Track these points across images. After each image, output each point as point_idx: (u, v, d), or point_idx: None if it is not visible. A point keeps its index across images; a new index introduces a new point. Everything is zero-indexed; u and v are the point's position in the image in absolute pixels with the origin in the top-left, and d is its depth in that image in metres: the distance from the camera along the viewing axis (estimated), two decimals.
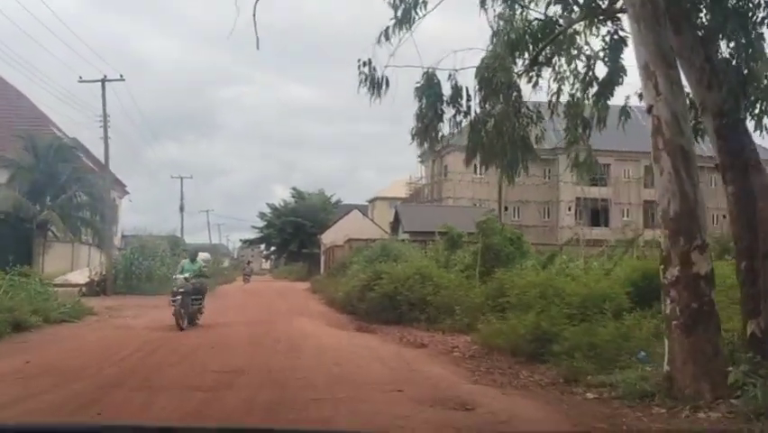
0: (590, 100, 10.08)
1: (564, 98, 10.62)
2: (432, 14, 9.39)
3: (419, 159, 73.18)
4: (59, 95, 78.86)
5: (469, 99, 9.74)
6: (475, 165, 51.57)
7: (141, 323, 19.05)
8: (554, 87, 10.09)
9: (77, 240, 46.47)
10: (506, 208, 65.37)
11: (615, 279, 15.19)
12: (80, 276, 36.46)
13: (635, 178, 67.00)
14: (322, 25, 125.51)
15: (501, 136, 9.85)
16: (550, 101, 10.41)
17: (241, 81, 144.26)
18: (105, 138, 35.46)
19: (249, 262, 72.77)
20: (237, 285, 56.44)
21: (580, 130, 9.39)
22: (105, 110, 35.33)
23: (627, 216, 66.91)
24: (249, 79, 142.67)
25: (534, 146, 10.62)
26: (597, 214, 66.42)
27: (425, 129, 9.39)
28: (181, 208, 68.96)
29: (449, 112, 9.71)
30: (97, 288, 34.56)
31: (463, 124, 9.71)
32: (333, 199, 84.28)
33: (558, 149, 68.28)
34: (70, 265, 43.87)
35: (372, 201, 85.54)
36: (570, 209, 66.60)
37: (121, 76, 35.39)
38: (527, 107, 10.08)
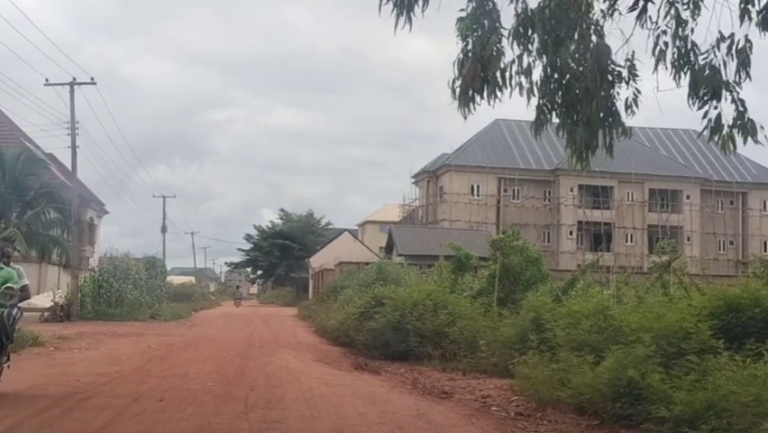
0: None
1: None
2: None
3: (413, 180, 70.19)
4: (41, 110, 75.08)
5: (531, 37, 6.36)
6: (472, 186, 48.33)
7: (91, 356, 15.61)
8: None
9: (45, 260, 43.16)
10: (503, 232, 62.28)
11: (685, 310, 11.82)
12: (46, 300, 32.92)
13: (639, 201, 64.00)
14: (312, 53, 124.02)
15: (588, 94, 6.47)
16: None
17: (230, 105, 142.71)
18: (73, 145, 32.09)
19: (238, 287, 74.10)
20: (219, 310, 53.00)
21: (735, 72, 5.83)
22: (73, 116, 32.00)
23: (631, 240, 63.83)
24: (238, 104, 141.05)
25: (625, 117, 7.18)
26: (599, 238, 63.29)
27: (473, 79, 6.02)
28: (163, 229, 65.43)
29: (509, 57, 6.32)
30: (61, 313, 30.98)
31: (534, 73, 6.33)
32: (323, 222, 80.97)
33: (559, 170, 65.80)
34: (37, 288, 40.42)
35: (362, 225, 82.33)
36: (571, 233, 63.43)
37: (92, 79, 32.10)
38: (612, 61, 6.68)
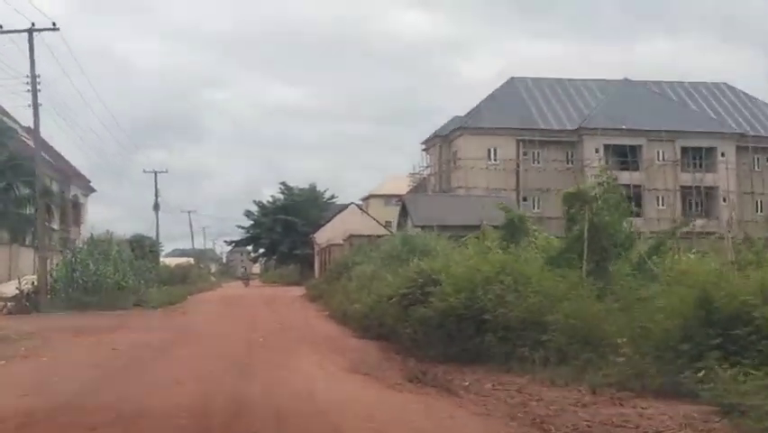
0: None
1: None
2: None
3: (423, 146, 64.92)
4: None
5: None
6: (489, 150, 43.01)
7: (14, 372, 10.68)
8: None
9: (19, 242, 38.19)
10: (524, 198, 57.18)
11: None
12: (13, 288, 28.02)
13: (671, 160, 58.78)
14: (306, 26, 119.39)
15: None
16: None
17: (224, 84, 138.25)
18: (34, 102, 26.83)
19: (245, 269, 75.09)
20: (219, 293, 48.16)
21: None
22: (33, 68, 26.74)
23: (662, 204, 58.68)
24: (233, 81, 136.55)
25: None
26: (628, 202, 58.08)
27: None
28: (155, 207, 59.83)
29: None
30: (27, 303, 26.06)
31: None
32: (327, 195, 75.74)
33: (582, 129, 60.53)
34: (8, 273, 35.54)
35: (366, 199, 77.09)
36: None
37: (54, 24, 26.80)
38: None
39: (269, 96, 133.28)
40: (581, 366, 8.82)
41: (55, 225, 40.75)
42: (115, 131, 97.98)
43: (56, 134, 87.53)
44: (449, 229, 28.75)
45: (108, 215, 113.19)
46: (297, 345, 13.83)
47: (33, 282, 26.95)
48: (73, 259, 28.04)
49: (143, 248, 35.91)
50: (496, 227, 21.03)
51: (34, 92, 26.78)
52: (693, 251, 17.41)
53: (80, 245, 32.33)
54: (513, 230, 19.14)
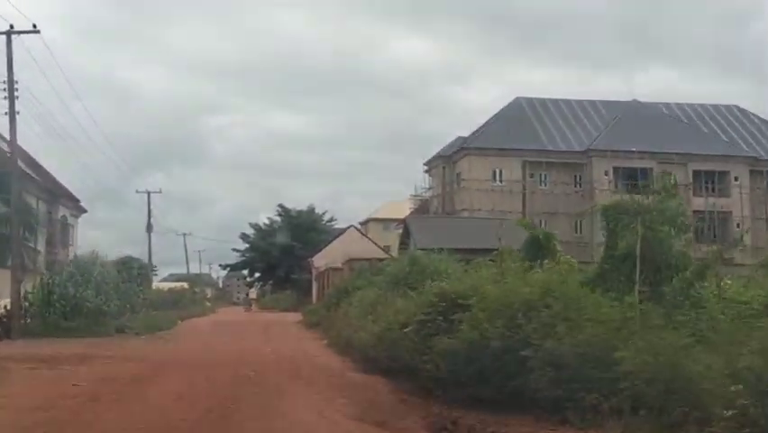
0: None
1: None
2: None
3: (425, 168, 62.91)
4: None
5: None
6: (494, 172, 40.69)
7: None
8: None
9: None
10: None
11: None
12: None
13: (683, 184, 56.62)
14: (306, 54, 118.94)
15: None
16: None
17: (224, 110, 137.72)
18: (11, 108, 24.72)
19: (247, 295, 75.25)
20: (212, 318, 45.87)
21: None
22: (11, 73, 24.69)
23: (674, 229, 56.45)
24: (233, 108, 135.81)
25: None
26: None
27: None
28: (148, 228, 57.55)
29: None
30: None
31: None
32: (326, 217, 73.60)
33: (592, 151, 58.56)
34: None
35: (365, 223, 74.94)
36: None
37: (34, 26, 24.78)
38: None
39: (269, 123, 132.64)
40: (673, 420, 6.61)
41: (41, 247, 38.38)
42: (111, 153, 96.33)
43: (48, 156, 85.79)
44: (454, 252, 26.63)
45: (105, 237, 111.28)
46: (292, 382, 11.61)
47: (6, 306, 24.69)
48: (50, 281, 25.79)
49: (131, 270, 33.58)
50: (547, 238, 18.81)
51: (11, 98, 24.70)
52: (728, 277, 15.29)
53: (68, 268, 30.08)
54: (536, 250, 16.96)
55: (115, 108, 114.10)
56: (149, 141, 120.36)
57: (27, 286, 26.77)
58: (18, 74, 25.06)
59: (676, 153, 55.20)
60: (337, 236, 61.74)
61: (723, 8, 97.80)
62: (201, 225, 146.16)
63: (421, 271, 20.51)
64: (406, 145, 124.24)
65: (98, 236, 68.03)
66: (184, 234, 76.39)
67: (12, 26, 24.66)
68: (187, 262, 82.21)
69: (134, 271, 33.98)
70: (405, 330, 11.32)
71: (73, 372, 13.21)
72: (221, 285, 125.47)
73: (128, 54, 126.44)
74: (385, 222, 71.69)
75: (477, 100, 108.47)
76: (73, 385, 11.32)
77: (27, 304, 25.45)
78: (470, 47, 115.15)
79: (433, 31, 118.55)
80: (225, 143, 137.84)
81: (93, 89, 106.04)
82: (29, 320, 25.22)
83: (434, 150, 62.54)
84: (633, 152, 55.52)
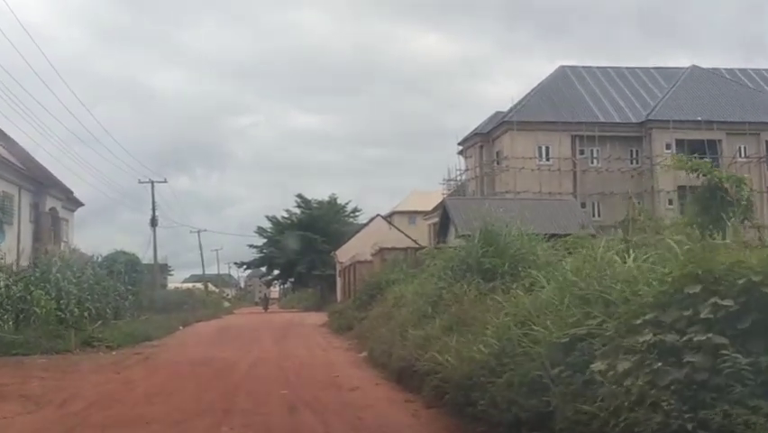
0: None
1: None
2: None
3: (459, 148, 56.17)
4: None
5: None
6: (540, 148, 32.95)
7: None
8: None
9: None
10: (582, 204, 48.14)
11: None
12: None
13: (755, 157, 49.61)
14: (326, 53, 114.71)
15: None
16: None
17: (246, 111, 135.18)
18: None
19: (265, 294, 75.36)
20: (222, 322, 39.61)
21: None
22: None
23: None
24: (254, 109, 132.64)
25: None
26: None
27: None
28: (153, 222, 51.23)
29: None
30: None
31: None
32: (349, 207, 67.25)
33: (650, 121, 51.71)
34: None
35: (390, 216, 68.23)
36: (671, 202, 48.95)
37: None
38: None
39: (290, 122, 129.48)
40: None
41: (9, 240, 32.37)
42: (126, 157, 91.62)
43: (70, 160, 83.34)
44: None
45: (123, 239, 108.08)
46: None
47: None
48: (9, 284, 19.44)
49: (115, 265, 27.23)
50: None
51: None
52: None
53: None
54: (711, 200, 10.44)
55: (136, 111, 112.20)
56: (169, 141, 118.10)
57: None
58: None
59: (748, 123, 48.44)
60: (362, 227, 56.00)
61: None
62: (224, 226, 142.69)
63: (500, 254, 14.09)
64: (429, 141, 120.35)
65: (112, 233, 63.53)
66: (198, 231, 70.35)
67: None
68: (203, 261, 76.57)
69: (119, 267, 27.57)
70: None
71: None
72: (242, 285, 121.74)
73: (147, 58, 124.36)
74: (411, 214, 65.30)
75: (498, 94, 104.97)
76: None
77: None
78: (489, 42, 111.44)
79: (452, 26, 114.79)
80: (247, 144, 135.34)
81: (115, 93, 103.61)
82: None
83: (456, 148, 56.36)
84: (699, 121, 48.68)
